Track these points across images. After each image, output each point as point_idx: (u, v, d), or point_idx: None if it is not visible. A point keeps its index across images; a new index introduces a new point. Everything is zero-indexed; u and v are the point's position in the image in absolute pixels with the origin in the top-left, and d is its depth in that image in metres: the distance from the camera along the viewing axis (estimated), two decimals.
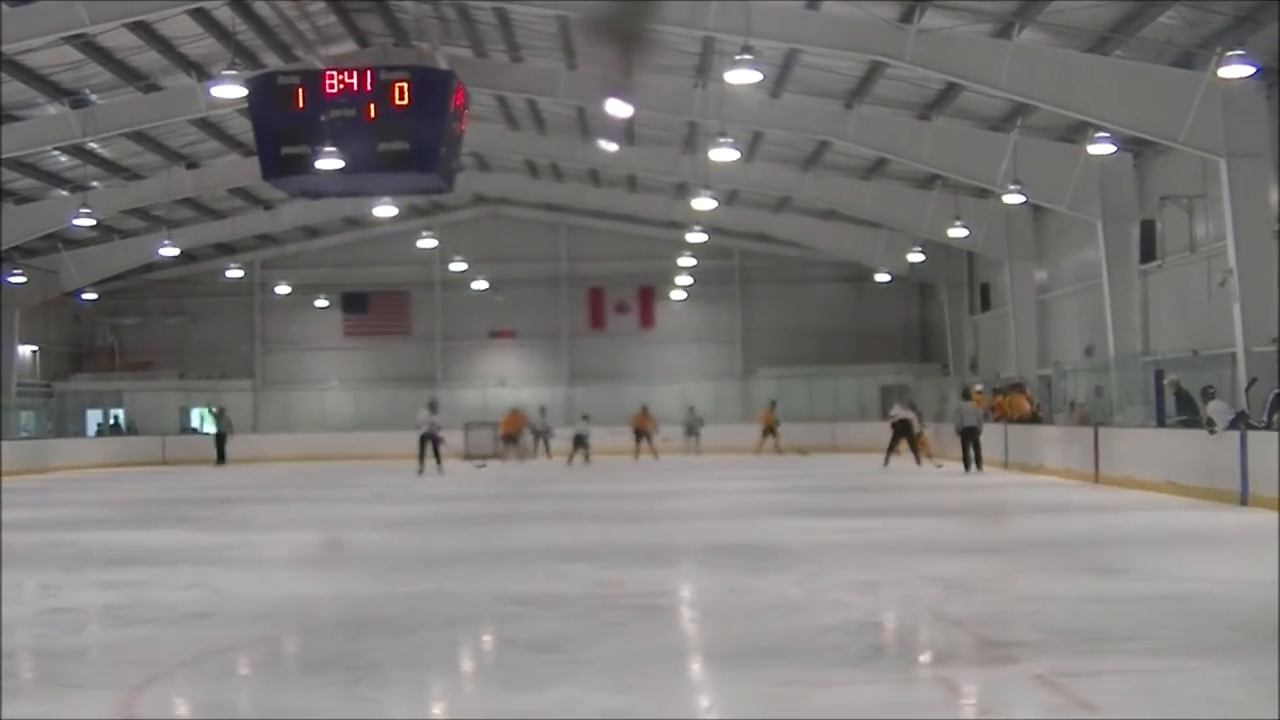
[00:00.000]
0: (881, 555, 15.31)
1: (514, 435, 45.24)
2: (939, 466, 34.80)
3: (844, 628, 10.41)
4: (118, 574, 14.79)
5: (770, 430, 46.78)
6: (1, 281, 48.28)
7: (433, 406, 37.92)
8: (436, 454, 36.69)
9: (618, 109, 31.29)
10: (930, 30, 27.07)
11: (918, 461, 35.83)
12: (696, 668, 9.48)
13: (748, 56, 24.73)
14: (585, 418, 43.76)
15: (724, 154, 31.40)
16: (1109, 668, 8.80)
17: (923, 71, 28.85)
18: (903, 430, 36.31)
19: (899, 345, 56.16)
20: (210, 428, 51.03)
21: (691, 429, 47.80)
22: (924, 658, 9.71)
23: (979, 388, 36.55)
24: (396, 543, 18.64)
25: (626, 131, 39.19)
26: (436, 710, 8.51)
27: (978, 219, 39.88)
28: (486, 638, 10.91)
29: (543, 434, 47.44)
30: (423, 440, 36.88)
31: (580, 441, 42.21)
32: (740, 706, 8.19)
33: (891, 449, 36.26)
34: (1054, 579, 13.09)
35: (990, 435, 34.07)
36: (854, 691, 8.34)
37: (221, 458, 47.08)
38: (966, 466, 32.37)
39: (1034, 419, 34.84)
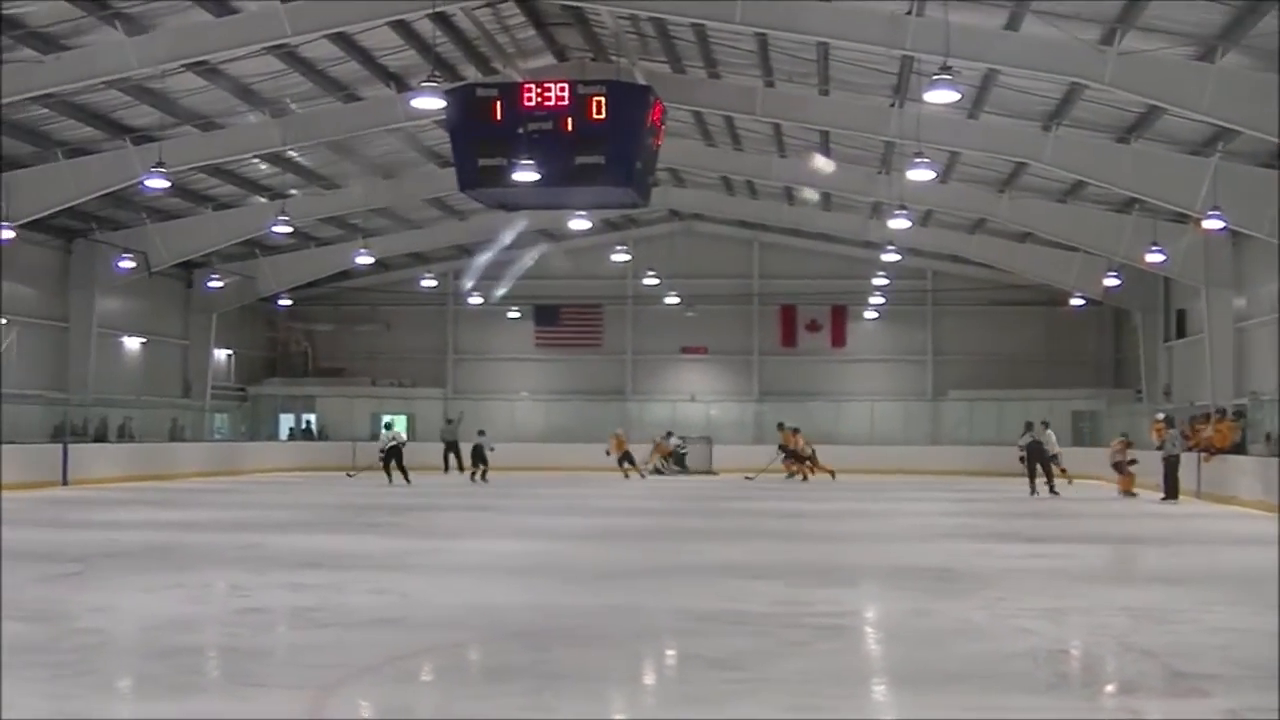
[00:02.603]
0: (1068, 582, 15.07)
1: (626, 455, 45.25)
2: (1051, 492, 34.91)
3: (1030, 654, 10.30)
4: (306, 577, 15.05)
5: (796, 454, 44.27)
6: (200, 286, 49.56)
7: (389, 426, 39.87)
8: (401, 467, 38.85)
9: (824, 165, 31.37)
10: (1131, 53, 26.66)
11: (1033, 490, 35.31)
12: (879, 690, 9.42)
13: (946, 76, 24.59)
14: (481, 433, 42.08)
15: (920, 174, 31.28)
16: None
17: (1123, 94, 28.46)
18: (1035, 454, 35.80)
19: (1092, 371, 55.40)
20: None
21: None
22: (1111, 687, 9.57)
23: (1161, 416, 35.90)
24: (582, 553, 18.78)
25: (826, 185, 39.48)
26: None
27: (1175, 244, 39.20)
28: (669, 652, 10.94)
29: (677, 452, 48.06)
30: (385, 455, 39.16)
31: (479, 456, 40.66)
32: None
33: (1032, 475, 35.68)
34: (1247, 613, 12.81)
35: (1181, 464, 33.39)
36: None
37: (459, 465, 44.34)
38: (1168, 495, 31.92)
39: (1236, 449, 34.07)
